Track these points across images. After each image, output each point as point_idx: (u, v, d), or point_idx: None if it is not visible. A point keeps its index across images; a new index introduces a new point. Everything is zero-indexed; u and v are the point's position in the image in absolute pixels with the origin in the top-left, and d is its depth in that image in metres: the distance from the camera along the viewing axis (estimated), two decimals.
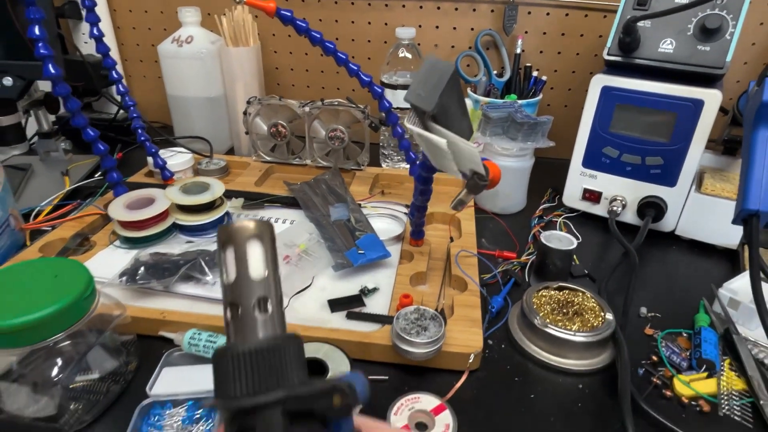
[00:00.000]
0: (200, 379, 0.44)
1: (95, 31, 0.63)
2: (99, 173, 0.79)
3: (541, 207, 0.76)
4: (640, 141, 0.66)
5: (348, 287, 0.54)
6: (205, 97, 0.87)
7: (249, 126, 0.80)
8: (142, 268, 0.50)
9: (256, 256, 0.13)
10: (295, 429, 0.12)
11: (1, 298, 0.37)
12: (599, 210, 0.72)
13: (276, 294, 0.13)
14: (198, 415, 0.40)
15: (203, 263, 0.50)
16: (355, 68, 0.62)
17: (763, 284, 0.49)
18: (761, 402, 0.43)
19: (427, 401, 0.41)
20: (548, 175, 0.83)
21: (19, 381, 0.40)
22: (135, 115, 0.70)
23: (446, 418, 0.40)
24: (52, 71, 0.52)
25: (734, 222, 0.52)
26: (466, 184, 0.36)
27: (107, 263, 0.55)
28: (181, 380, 0.44)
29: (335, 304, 0.51)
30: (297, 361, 0.12)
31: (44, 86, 0.83)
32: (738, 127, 0.69)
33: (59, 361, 0.40)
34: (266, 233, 0.13)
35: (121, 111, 0.93)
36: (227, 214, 0.64)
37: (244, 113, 0.80)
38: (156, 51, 0.86)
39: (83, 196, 0.73)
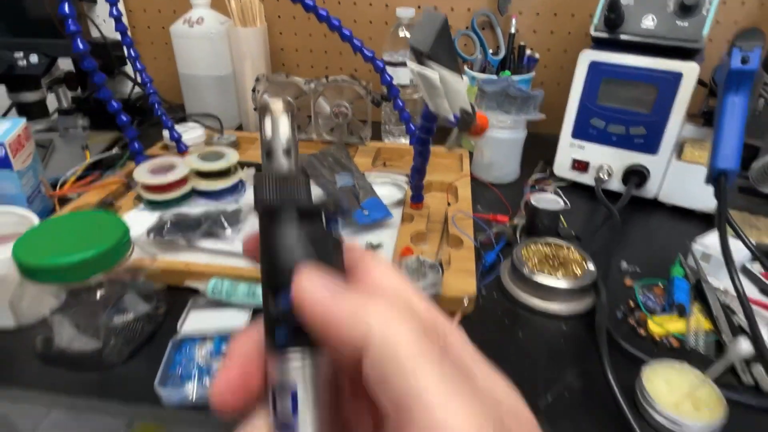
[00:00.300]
0: (224, 320, 0.49)
1: (114, 11, 0.67)
2: (116, 148, 0.84)
3: (533, 177, 0.81)
4: (624, 112, 0.71)
5: None
6: (214, 76, 0.91)
7: (257, 102, 0.85)
8: (168, 224, 0.55)
9: (284, 121, 0.19)
10: (304, 222, 0.18)
11: (52, 241, 0.42)
12: (587, 179, 0.77)
13: (295, 149, 0.19)
14: (224, 349, 0.46)
15: (223, 219, 0.55)
16: (359, 44, 0.67)
17: (732, 240, 0.54)
18: (723, 337, 0.49)
19: None
20: (540, 149, 0.88)
21: (69, 317, 0.45)
22: (152, 90, 0.74)
23: None
24: (81, 46, 0.57)
25: (706, 182, 0.57)
26: (457, 123, 0.41)
27: (133, 224, 0.59)
28: (207, 321, 0.49)
29: None
30: (306, 187, 0.19)
31: (64, 65, 0.88)
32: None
33: (101, 302, 0.45)
34: (291, 108, 0.19)
35: (134, 92, 0.98)
36: (241, 181, 0.69)
37: (253, 90, 0.84)
38: (166, 33, 0.90)
39: (103, 168, 0.78)
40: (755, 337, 0.41)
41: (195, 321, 0.49)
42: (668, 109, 0.67)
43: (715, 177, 0.54)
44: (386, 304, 0.16)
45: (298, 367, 0.17)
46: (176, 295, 0.53)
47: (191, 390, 0.41)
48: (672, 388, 0.42)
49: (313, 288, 0.16)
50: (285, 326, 0.17)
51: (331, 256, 0.18)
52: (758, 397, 0.43)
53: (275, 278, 0.17)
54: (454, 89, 0.37)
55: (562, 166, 0.79)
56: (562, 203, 0.61)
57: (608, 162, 0.74)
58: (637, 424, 0.39)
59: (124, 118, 0.64)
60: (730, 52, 0.53)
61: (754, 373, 0.45)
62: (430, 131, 0.49)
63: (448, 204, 0.69)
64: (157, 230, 0.55)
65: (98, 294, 0.45)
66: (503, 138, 0.75)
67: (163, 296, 0.51)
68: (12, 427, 0.49)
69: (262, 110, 0.19)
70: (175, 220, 0.56)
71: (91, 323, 0.46)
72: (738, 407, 0.42)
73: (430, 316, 0.18)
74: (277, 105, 0.19)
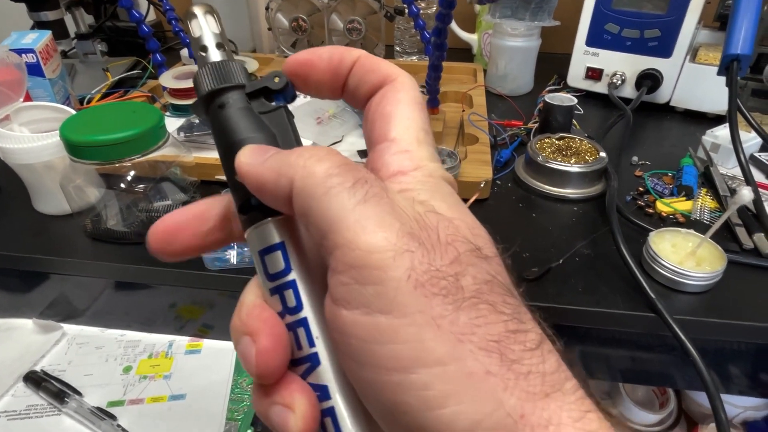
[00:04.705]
0: None
1: None
2: (135, 70, 0.86)
3: (546, 89, 0.82)
4: (639, 15, 0.70)
5: None
6: None
7: (271, 21, 0.85)
8: (196, 123, 0.57)
9: (211, 19, 0.20)
10: (253, 101, 0.19)
11: (95, 124, 0.45)
12: (601, 87, 0.78)
13: (227, 43, 0.20)
14: None
15: None
16: None
17: (742, 133, 0.56)
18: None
19: None
20: (554, 65, 0.88)
21: (113, 201, 0.49)
22: (168, 6, 0.75)
23: None
24: None
25: (719, 73, 0.57)
26: None
27: None
28: None
29: (363, 153, 0.59)
30: (243, 71, 0.19)
31: None
32: None
33: (141, 189, 0.49)
34: (213, 10, 0.20)
35: (146, 19, 0.98)
36: None
37: (267, 8, 0.85)
38: None
39: (125, 88, 0.80)
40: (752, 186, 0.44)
41: None
42: (684, 8, 0.67)
43: (727, 64, 0.55)
44: (307, 153, 0.16)
45: (280, 228, 0.18)
46: (208, 189, 0.56)
47: (232, 256, 0.45)
48: (677, 250, 0.45)
49: (247, 160, 0.17)
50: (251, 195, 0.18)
51: (277, 126, 0.19)
52: (757, 258, 0.46)
53: (231, 155, 0.18)
54: None
55: (575, 76, 0.80)
56: (574, 99, 0.62)
57: (622, 68, 0.75)
58: (643, 280, 0.42)
59: (145, 28, 0.66)
60: None
61: (754, 239, 0.47)
62: (448, 17, 0.50)
63: (463, 111, 0.71)
64: (187, 128, 0.57)
65: (138, 182, 0.48)
66: (517, 46, 0.76)
67: (197, 188, 0.55)
68: (70, 304, 0.54)
69: (188, 15, 0.20)
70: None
71: (134, 206, 0.50)
72: (738, 266, 0.45)
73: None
74: (200, 8, 0.20)
